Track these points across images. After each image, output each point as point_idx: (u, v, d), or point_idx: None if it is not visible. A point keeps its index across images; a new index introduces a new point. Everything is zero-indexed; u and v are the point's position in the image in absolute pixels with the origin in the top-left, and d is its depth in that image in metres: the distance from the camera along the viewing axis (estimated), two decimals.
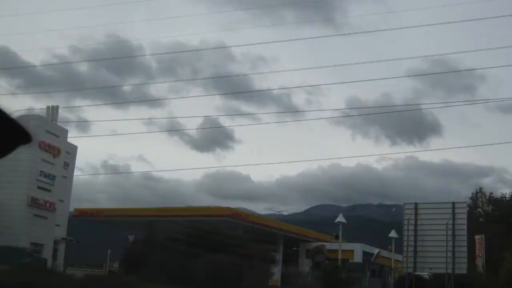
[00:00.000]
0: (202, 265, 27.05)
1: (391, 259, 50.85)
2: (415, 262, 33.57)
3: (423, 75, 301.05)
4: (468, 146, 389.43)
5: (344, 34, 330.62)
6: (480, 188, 79.89)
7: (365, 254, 54.95)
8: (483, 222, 73.49)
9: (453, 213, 33.24)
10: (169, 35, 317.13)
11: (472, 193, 79.75)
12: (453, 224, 32.83)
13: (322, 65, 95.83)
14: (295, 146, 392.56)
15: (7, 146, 1.50)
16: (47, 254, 41.84)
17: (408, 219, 34.25)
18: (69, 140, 49.03)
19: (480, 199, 78.43)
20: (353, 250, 53.07)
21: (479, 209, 78.11)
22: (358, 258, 52.88)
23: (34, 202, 41.58)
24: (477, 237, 56.13)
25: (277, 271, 42.10)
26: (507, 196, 78.51)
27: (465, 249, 33.57)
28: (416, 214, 34.02)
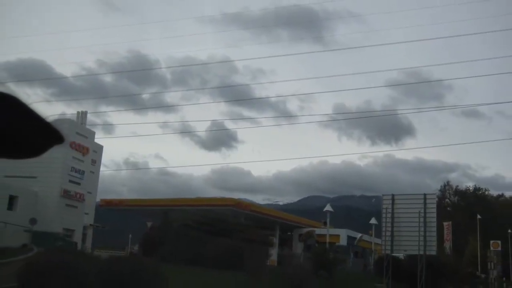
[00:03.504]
0: (210, 248, 27.03)
1: (371, 242, 50.81)
2: (392, 245, 33.50)
3: (398, 85, 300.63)
4: (437, 146, 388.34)
5: (331, 50, 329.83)
6: (448, 182, 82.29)
7: (349, 238, 54.89)
8: (450, 210, 74.41)
9: (425, 203, 33.10)
10: (182, 50, 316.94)
11: (441, 186, 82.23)
12: (425, 213, 32.74)
13: (313, 76, 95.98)
14: (290, 145, 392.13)
15: (43, 146, 1.50)
16: (77, 238, 41.86)
17: (386, 208, 34.19)
18: (96, 140, 49.01)
19: (447, 191, 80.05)
20: (339, 235, 53.05)
21: (447, 200, 78.97)
22: (343, 241, 52.86)
23: (66, 194, 41.58)
24: (445, 223, 57.23)
25: (274, 253, 42.11)
26: (471, 188, 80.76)
27: (435, 234, 33.45)
28: (393, 204, 33.92)
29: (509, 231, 58.18)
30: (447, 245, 54.88)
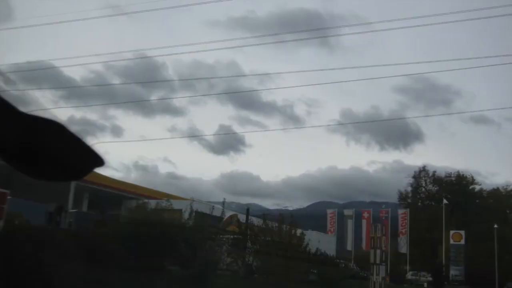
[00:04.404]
0: None
1: None
2: None
3: (407, 89, 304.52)
4: (446, 152, 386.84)
5: (338, 55, 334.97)
6: (424, 167, 66.95)
7: None
8: (424, 199, 65.30)
9: None
10: (189, 54, 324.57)
11: (415, 172, 66.72)
12: None
13: (319, 81, 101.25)
14: (297, 150, 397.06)
15: (85, 169, 1.54)
16: None
17: None
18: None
19: (423, 178, 66.16)
20: None
21: (423, 188, 66.57)
22: None
23: None
24: (400, 212, 51.92)
25: None
26: (452, 176, 66.00)
27: None
28: None
29: (496, 226, 48.49)
30: (402, 239, 50.20)
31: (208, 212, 23.38)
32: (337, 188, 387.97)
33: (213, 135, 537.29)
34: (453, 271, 47.60)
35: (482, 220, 53.99)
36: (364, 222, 52.57)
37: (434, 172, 66.30)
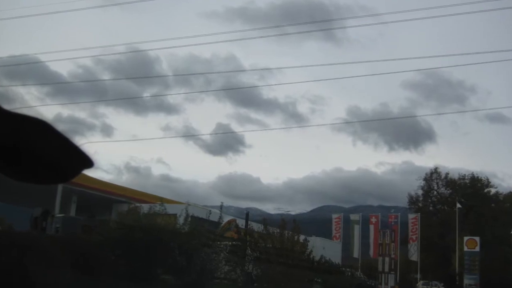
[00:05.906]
0: None
1: None
2: None
3: (418, 85, 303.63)
4: (459, 153, 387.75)
5: (345, 48, 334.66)
6: (436, 169, 65.95)
7: None
8: (436, 202, 65.00)
9: None
10: (185, 47, 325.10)
11: (426, 174, 65.98)
12: None
13: (325, 77, 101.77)
14: (301, 151, 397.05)
15: (74, 171, 1.50)
16: None
17: None
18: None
19: (435, 181, 65.39)
20: None
21: (434, 191, 65.83)
22: None
23: None
24: (410, 217, 52.10)
25: None
26: (466, 178, 64.96)
27: None
28: None
29: None
30: (412, 245, 50.55)
31: (204, 217, 23.42)
32: (342, 191, 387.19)
33: (210, 134, 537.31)
34: (467, 280, 47.83)
35: (498, 225, 54.24)
36: (371, 227, 52.72)
37: (447, 174, 66.11)
